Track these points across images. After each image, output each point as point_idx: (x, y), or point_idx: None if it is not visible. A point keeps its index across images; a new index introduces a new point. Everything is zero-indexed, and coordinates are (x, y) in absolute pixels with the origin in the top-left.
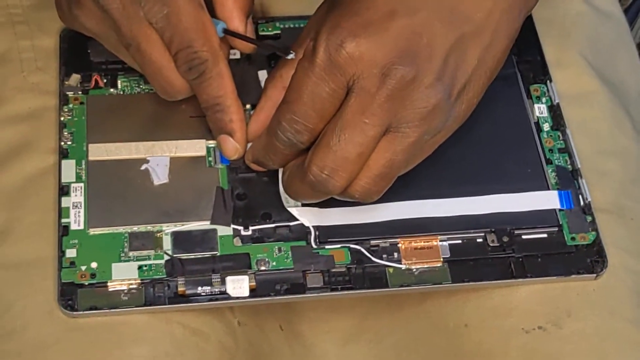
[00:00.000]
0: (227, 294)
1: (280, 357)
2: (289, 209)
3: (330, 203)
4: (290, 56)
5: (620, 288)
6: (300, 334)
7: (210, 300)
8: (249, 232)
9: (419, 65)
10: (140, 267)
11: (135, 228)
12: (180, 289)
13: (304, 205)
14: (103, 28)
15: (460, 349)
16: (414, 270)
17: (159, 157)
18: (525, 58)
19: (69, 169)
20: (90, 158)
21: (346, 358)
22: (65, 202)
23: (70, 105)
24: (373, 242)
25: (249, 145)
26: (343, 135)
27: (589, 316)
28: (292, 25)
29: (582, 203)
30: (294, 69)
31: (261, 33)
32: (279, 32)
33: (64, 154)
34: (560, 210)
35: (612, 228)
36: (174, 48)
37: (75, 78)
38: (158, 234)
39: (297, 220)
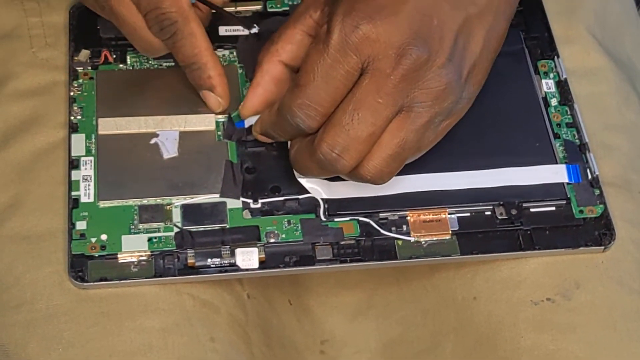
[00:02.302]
0: (237, 265)
1: (289, 331)
2: (299, 179)
3: (339, 177)
4: (253, 30)
5: (628, 260)
6: (308, 308)
7: (220, 272)
8: (258, 205)
9: (431, 46)
10: (150, 239)
11: (145, 201)
12: (190, 260)
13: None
14: None
15: (469, 322)
16: (423, 242)
17: (168, 131)
18: (533, 34)
19: (78, 142)
20: (100, 132)
21: (354, 333)
22: (75, 175)
23: (80, 81)
24: (382, 215)
25: (256, 118)
26: (356, 114)
27: (597, 288)
28: (300, 1)
29: (590, 177)
30: (291, 44)
31: (270, 9)
32: (287, 8)
33: (73, 128)
34: (568, 183)
35: (619, 201)
36: (143, 10)
37: (84, 54)
38: (168, 207)
39: (307, 193)
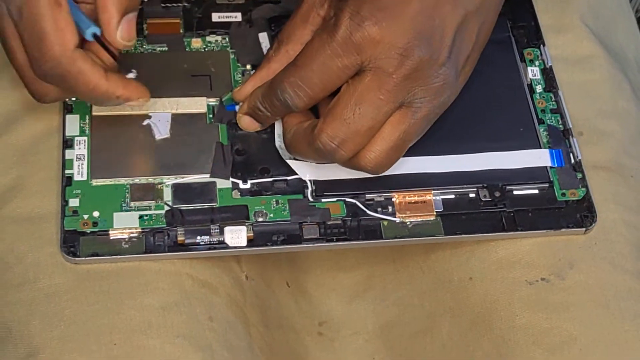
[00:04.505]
0: (225, 243)
1: (286, 312)
2: (287, 161)
3: None
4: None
5: (620, 241)
6: (306, 290)
7: (209, 249)
8: (248, 186)
9: (433, 46)
10: (141, 217)
11: (136, 180)
12: (180, 238)
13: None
14: None
15: (464, 302)
16: (408, 223)
17: (160, 113)
18: (520, 23)
19: (73, 123)
20: (94, 113)
21: (352, 314)
22: (69, 154)
23: None
24: (368, 196)
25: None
26: (358, 109)
27: (590, 268)
28: None
29: (572, 161)
30: (301, 44)
31: None
32: None
33: (68, 109)
34: (551, 167)
35: (613, 185)
36: (28, 53)
37: None
38: (159, 186)
39: (295, 174)
